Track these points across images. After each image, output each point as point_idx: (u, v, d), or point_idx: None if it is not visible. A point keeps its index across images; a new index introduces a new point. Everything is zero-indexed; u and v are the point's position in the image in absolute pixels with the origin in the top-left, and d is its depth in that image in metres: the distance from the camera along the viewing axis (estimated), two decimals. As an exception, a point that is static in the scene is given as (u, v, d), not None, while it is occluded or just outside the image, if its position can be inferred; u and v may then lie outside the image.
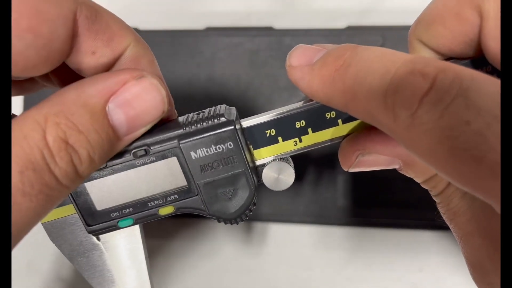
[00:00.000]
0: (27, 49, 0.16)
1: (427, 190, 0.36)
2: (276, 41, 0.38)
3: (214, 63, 0.38)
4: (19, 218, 0.15)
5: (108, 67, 0.19)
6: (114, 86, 0.17)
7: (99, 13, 0.18)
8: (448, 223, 0.19)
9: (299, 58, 0.18)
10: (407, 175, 0.19)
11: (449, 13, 0.16)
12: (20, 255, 0.42)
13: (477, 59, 0.16)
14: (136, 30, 0.39)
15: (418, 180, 0.19)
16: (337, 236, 0.38)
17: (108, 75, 0.17)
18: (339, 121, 0.19)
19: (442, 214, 0.19)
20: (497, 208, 0.13)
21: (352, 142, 0.19)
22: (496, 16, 0.15)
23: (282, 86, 0.38)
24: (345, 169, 0.20)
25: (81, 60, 0.18)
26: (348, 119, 0.19)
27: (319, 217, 0.37)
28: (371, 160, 0.19)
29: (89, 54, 0.18)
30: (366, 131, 0.18)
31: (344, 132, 0.19)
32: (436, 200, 0.19)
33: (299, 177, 0.38)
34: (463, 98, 0.13)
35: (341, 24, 0.39)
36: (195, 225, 0.40)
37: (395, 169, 0.35)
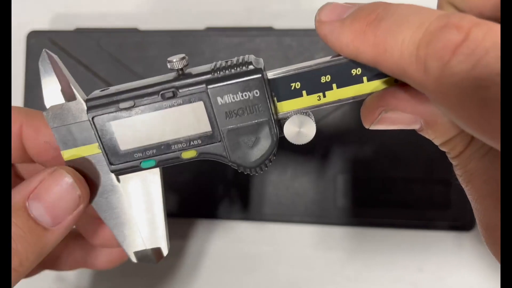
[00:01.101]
0: None
1: (426, 190, 0.36)
2: (276, 41, 0.38)
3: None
4: None
5: (15, 150, 0.22)
6: (34, 184, 0.20)
7: None
8: (463, 186, 0.19)
9: (329, 13, 0.18)
10: (427, 136, 0.19)
11: None
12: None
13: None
14: (136, 30, 0.39)
15: (437, 142, 0.19)
16: (337, 236, 0.38)
17: (31, 178, 0.20)
18: (364, 78, 0.19)
19: (458, 177, 0.19)
20: None
21: (377, 98, 0.19)
22: None
23: (282, 86, 0.38)
24: (367, 126, 0.20)
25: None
26: (373, 77, 0.19)
27: (319, 217, 0.37)
28: (393, 117, 0.19)
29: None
30: (391, 89, 0.19)
31: (368, 90, 0.19)
32: (453, 163, 0.19)
33: (299, 177, 0.38)
34: (496, 51, 0.13)
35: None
36: (194, 225, 0.40)
37: (394, 170, 0.35)
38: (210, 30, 0.39)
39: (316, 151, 0.37)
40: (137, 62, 0.38)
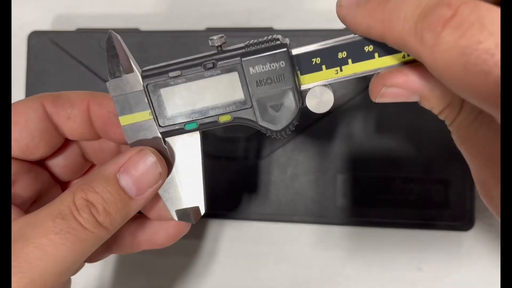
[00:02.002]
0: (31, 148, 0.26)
1: (425, 190, 0.37)
2: (276, 41, 0.38)
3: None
4: (54, 251, 0.21)
5: (87, 121, 0.27)
6: (123, 160, 0.24)
7: (59, 94, 0.27)
8: (459, 148, 0.22)
9: None
10: (426, 107, 0.22)
11: None
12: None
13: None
14: (137, 30, 0.39)
15: (435, 112, 0.22)
16: (336, 235, 0.38)
17: (121, 155, 0.24)
18: (376, 54, 0.22)
19: (455, 141, 0.22)
20: (498, 119, 0.16)
21: (379, 77, 0.22)
22: None
23: (282, 87, 0.38)
24: (373, 99, 0.23)
25: (68, 127, 0.27)
26: (383, 53, 0.22)
27: (319, 216, 0.37)
28: (393, 92, 0.22)
29: (67, 120, 0.26)
30: (391, 69, 0.22)
31: (379, 65, 0.22)
32: (450, 129, 0.22)
33: (299, 176, 0.38)
34: (479, 24, 0.16)
35: (340, 25, 0.39)
36: (194, 224, 0.40)
37: (394, 170, 0.35)
38: (210, 30, 0.39)
39: (316, 150, 0.37)
40: (138, 63, 0.38)
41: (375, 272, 0.38)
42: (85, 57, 0.39)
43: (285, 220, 0.38)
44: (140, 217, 0.28)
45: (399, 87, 0.21)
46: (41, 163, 0.28)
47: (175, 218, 0.25)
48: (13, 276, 0.20)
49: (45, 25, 0.43)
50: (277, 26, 0.39)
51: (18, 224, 0.22)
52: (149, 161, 0.24)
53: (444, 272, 0.37)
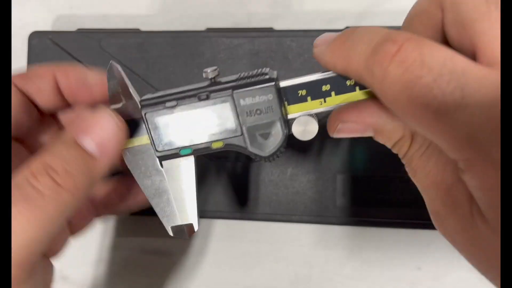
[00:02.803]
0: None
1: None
2: (276, 42, 0.38)
3: (214, 64, 0.39)
4: (18, 223, 0.20)
5: (55, 92, 0.28)
6: (80, 122, 0.24)
7: (26, 73, 0.29)
8: (413, 180, 0.23)
9: (321, 40, 0.23)
10: (379, 141, 0.23)
11: (422, 11, 0.21)
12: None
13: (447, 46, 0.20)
14: (138, 31, 0.39)
15: (388, 145, 0.23)
16: (336, 235, 0.39)
17: (77, 118, 0.24)
18: (357, 88, 0.23)
19: (408, 173, 0.23)
20: (442, 146, 0.18)
21: (335, 114, 0.24)
22: (451, 9, 0.19)
23: (282, 87, 0.38)
24: (330, 135, 0.24)
25: (40, 99, 0.28)
26: (363, 86, 0.23)
27: (318, 216, 0.37)
28: (349, 127, 0.23)
29: (39, 94, 0.28)
30: (346, 106, 0.23)
31: (360, 97, 0.23)
32: (403, 162, 0.23)
33: (299, 176, 0.38)
34: (420, 60, 0.17)
35: (340, 25, 0.39)
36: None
37: (394, 170, 0.36)
38: (210, 31, 0.39)
39: (316, 150, 0.37)
40: (138, 63, 0.38)
41: (374, 271, 0.38)
42: (86, 57, 0.39)
43: (285, 220, 0.38)
44: (129, 178, 0.29)
45: (354, 122, 0.23)
46: (21, 143, 0.29)
47: (170, 233, 0.27)
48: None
49: (45, 26, 0.43)
50: (277, 26, 0.39)
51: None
52: (107, 119, 0.24)
53: (443, 272, 0.37)
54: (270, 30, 0.39)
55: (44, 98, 0.27)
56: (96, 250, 0.41)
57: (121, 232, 0.41)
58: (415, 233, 0.37)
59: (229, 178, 0.38)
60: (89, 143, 0.23)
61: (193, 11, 0.42)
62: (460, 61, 0.17)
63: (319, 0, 0.41)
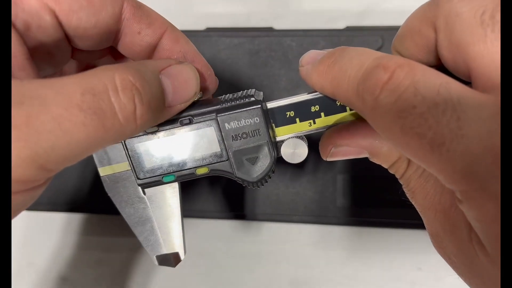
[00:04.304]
0: (80, 10, 0.21)
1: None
2: (276, 41, 0.38)
3: (214, 63, 0.38)
4: (71, 129, 0.17)
5: (152, 46, 0.24)
6: (164, 64, 0.21)
7: (141, 5, 0.24)
8: (411, 201, 0.22)
9: (307, 59, 0.22)
10: (376, 162, 0.22)
11: (414, 30, 0.20)
12: (20, 255, 0.42)
13: (441, 66, 0.19)
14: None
15: (385, 166, 0.22)
16: (336, 235, 0.39)
17: (158, 59, 0.22)
18: (347, 108, 0.22)
19: (406, 194, 0.22)
20: (439, 177, 0.17)
21: (327, 137, 0.23)
22: (444, 30, 0.18)
23: (282, 86, 0.38)
24: (324, 158, 0.23)
25: (130, 40, 0.23)
26: None
27: (319, 216, 0.37)
28: (343, 150, 0.22)
29: (136, 34, 0.23)
30: (338, 129, 0.22)
31: (350, 118, 0.22)
32: (400, 182, 0.22)
33: (299, 177, 0.38)
34: (413, 88, 0.16)
35: (340, 24, 0.39)
36: (194, 224, 0.40)
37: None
38: (210, 30, 0.39)
39: (316, 151, 0.37)
40: (138, 63, 0.38)
41: (375, 271, 0.38)
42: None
43: (285, 220, 0.38)
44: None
45: (347, 145, 0.22)
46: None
47: (156, 263, 0.26)
48: (14, 142, 0.16)
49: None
50: (277, 26, 0.39)
51: (34, 84, 0.17)
52: (189, 75, 0.22)
53: (443, 272, 0.37)
54: (270, 29, 0.39)
55: (136, 43, 0.24)
56: (96, 251, 0.41)
57: (120, 232, 0.41)
58: (416, 233, 0.37)
59: (229, 179, 0.38)
60: (168, 87, 0.21)
61: (193, 10, 0.42)
62: (455, 88, 0.16)
63: (319, -1, 0.41)
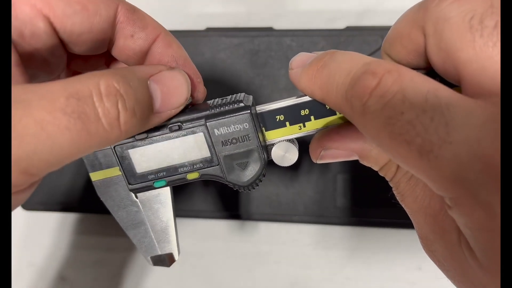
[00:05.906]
0: (74, 15, 0.21)
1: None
2: (276, 41, 0.38)
3: (214, 63, 0.39)
4: (54, 133, 0.17)
5: (145, 50, 0.24)
6: (154, 70, 0.21)
7: (136, 8, 0.24)
8: (401, 204, 0.22)
9: (297, 62, 0.22)
10: (366, 165, 0.22)
11: (403, 34, 0.20)
12: (20, 255, 0.42)
13: (431, 69, 0.19)
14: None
15: (375, 169, 0.22)
16: (336, 235, 0.39)
17: (151, 65, 0.22)
18: (337, 111, 0.22)
19: (396, 197, 0.22)
20: (428, 183, 0.17)
21: (317, 140, 0.23)
22: (433, 35, 0.18)
23: (282, 86, 0.38)
24: (314, 161, 0.23)
25: (123, 43, 0.23)
26: None
27: (319, 216, 0.37)
28: (332, 153, 0.22)
29: (129, 37, 0.23)
30: (328, 131, 0.22)
31: (341, 121, 0.22)
32: (391, 185, 0.22)
33: (299, 177, 0.38)
34: (401, 95, 0.16)
35: (340, 24, 0.39)
36: (194, 225, 0.40)
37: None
38: (210, 30, 0.39)
39: (315, 150, 0.37)
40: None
41: (375, 271, 0.38)
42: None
43: (285, 220, 0.38)
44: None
45: (337, 148, 0.22)
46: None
47: (150, 263, 0.26)
48: None
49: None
50: (277, 26, 0.39)
51: (19, 88, 0.17)
52: (180, 81, 0.22)
53: (444, 272, 0.37)
54: (270, 29, 0.39)
55: (128, 47, 0.24)
56: (95, 251, 0.41)
57: (119, 232, 0.41)
58: (416, 233, 0.37)
59: (229, 178, 0.38)
60: (157, 94, 0.21)
61: (193, 10, 0.42)
62: (444, 94, 0.16)
63: (319, -1, 0.41)
